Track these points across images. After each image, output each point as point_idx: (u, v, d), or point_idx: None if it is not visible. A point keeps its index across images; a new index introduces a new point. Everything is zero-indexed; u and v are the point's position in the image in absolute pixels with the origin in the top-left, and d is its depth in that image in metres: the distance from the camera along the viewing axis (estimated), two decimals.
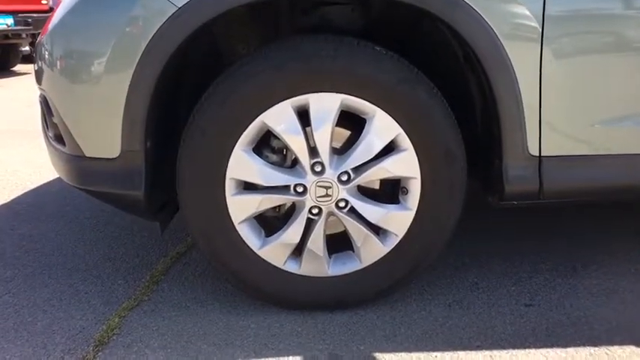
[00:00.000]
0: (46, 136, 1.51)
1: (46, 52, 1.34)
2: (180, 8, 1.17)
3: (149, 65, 1.20)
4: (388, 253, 1.35)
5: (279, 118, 1.24)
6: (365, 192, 1.34)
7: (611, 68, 1.25)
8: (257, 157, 1.29)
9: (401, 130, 1.26)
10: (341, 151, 1.32)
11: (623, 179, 1.33)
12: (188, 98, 1.40)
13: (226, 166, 1.27)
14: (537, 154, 1.28)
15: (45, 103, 1.42)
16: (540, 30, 1.21)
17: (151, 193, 1.31)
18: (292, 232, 1.32)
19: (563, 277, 1.56)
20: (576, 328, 1.33)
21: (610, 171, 1.31)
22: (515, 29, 1.21)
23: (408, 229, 1.33)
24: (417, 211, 1.31)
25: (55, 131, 1.39)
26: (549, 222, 1.92)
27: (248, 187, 1.32)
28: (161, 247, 1.78)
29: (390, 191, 1.36)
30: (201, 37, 1.34)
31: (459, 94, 1.38)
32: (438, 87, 1.29)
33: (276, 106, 1.24)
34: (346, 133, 1.34)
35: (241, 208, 1.30)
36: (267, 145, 1.33)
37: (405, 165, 1.28)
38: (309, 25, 1.46)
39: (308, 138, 1.26)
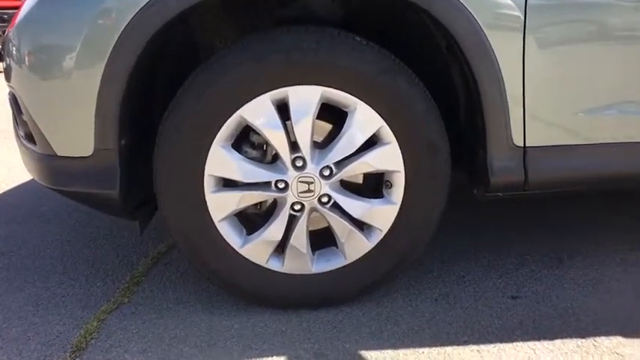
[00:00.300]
0: (17, 135, 1.46)
1: (14, 48, 1.28)
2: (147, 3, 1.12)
3: (121, 59, 1.16)
4: (373, 249, 1.32)
5: (258, 112, 1.21)
6: (348, 186, 1.32)
7: (594, 57, 1.24)
8: (236, 152, 1.25)
9: (383, 123, 1.23)
10: (322, 145, 1.29)
11: (609, 168, 1.32)
12: (165, 92, 1.35)
13: (204, 163, 1.23)
14: (522, 145, 1.26)
15: (14, 101, 1.36)
16: (523, 19, 1.18)
17: (127, 192, 1.26)
18: (274, 230, 1.28)
19: (549, 269, 1.55)
20: (563, 320, 1.32)
21: (595, 160, 1.30)
22: (497, 19, 1.19)
23: (393, 224, 1.30)
24: (401, 205, 1.29)
25: (26, 130, 1.33)
26: (535, 213, 1.91)
27: (228, 183, 1.28)
28: (142, 247, 1.73)
29: (374, 185, 1.33)
30: (177, 29, 1.30)
31: (442, 85, 1.36)
32: (421, 78, 1.26)
33: (255, 100, 1.20)
34: (328, 126, 1.30)
35: (221, 205, 1.26)
36: (246, 140, 1.29)
37: (388, 158, 1.26)
38: (289, 16, 1.42)
39: (288, 132, 1.23)
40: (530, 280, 1.49)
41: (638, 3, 1.23)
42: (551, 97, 1.24)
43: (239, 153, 1.26)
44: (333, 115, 1.28)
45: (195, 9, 1.17)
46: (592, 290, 1.44)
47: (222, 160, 1.23)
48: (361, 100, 1.21)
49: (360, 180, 1.35)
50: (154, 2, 1.12)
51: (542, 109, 1.25)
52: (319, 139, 1.31)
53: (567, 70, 1.23)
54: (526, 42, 1.19)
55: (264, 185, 1.26)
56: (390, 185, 1.29)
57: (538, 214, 1.90)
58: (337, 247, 1.34)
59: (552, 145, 1.27)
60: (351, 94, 1.20)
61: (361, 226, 1.32)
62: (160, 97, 1.37)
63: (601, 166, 1.30)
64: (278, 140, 1.22)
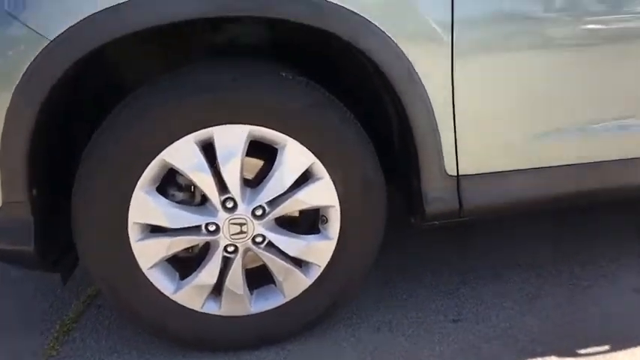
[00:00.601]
0: None
1: None
2: (52, 41, 1.03)
3: (24, 105, 1.07)
4: (312, 285, 1.29)
5: (182, 155, 1.14)
6: (284, 221, 1.28)
7: (524, 84, 1.24)
8: (162, 197, 1.18)
9: (315, 159, 1.19)
10: (255, 182, 1.24)
11: (545, 192, 1.33)
12: (84, 134, 1.26)
13: (127, 210, 1.15)
14: (455, 174, 1.26)
15: None
16: (450, 45, 1.16)
17: (44, 245, 1.17)
18: (207, 273, 1.23)
19: (489, 285, 1.56)
20: (502, 341, 1.34)
21: (530, 185, 1.31)
22: (423, 46, 1.16)
23: (331, 259, 1.27)
24: (338, 240, 1.26)
25: None
26: (475, 226, 1.93)
27: (155, 229, 1.21)
28: (73, 289, 1.63)
29: (311, 220, 1.30)
30: (95, 65, 1.21)
31: (376, 114, 1.34)
32: (355, 107, 1.23)
33: (178, 142, 1.14)
34: (259, 163, 1.25)
35: (149, 253, 1.20)
36: (173, 182, 1.22)
37: (322, 194, 1.22)
38: (220, 44, 1.35)
39: (217, 173, 1.17)
40: (471, 299, 1.51)
41: (577, 17, 1.23)
42: (483, 125, 1.24)
43: (165, 196, 1.19)
44: (265, 151, 1.23)
45: (111, 45, 1.09)
46: (529, 307, 1.46)
47: (146, 206, 1.16)
48: (290, 136, 1.17)
49: (297, 214, 1.31)
50: (55, 45, 1.03)
51: (474, 137, 1.24)
52: (251, 176, 1.26)
53: (498, 97, 1.23)
54: (454, 68, 1.17)
55: (194, 229, 1.20)
56: (325, 220, 1.26)
57: (477, 227, 1.92)
58: (276, 285, 1.30)
59: (486, 173, 1.27)
60: (278, 131, 1.16)
61: (299, 262, 1.28)
62: (79, 138, 1.28)
63: (537, 190, 1.31)
64: (205, 183, 1.16)
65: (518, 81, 1.23)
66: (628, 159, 1.33)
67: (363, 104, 1.33)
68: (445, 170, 1.25)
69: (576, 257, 1.68)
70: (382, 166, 1.27)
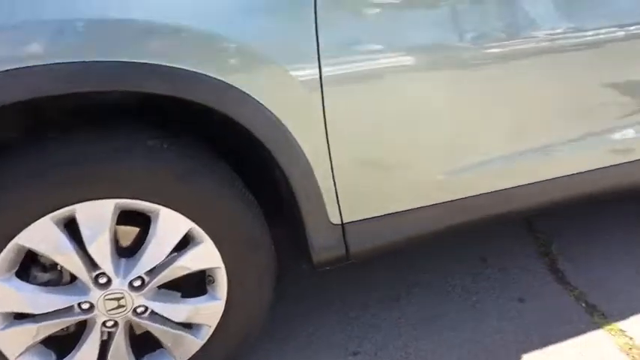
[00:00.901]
0: None
1: None
2: None
3: None
4: (205, 345, 1.25)
5: (40, 236, 1.04)
6: (168, 284, 1.21)
7: (400, 130, 1.24)
8: (23, 282, 1.07)
9: (193, 224, 1.13)
10: (131, 251, 1.16)
11: (434, 226, 1.36)
12: None
13: None
14: (340, 222, 1.25)
15: None
16: (321, 98, 1.12)
17: None
18: (86, 352, 1.15)
19: (389, 310, 1.60)
20: None
21: (414, 224, 1.33)
22: (294, 108, 1.12)
23: (222, 318, 1.23)
24: (227, 300, 1.22)
25: None
26: None
27: (21, 314, 1.11)
28: None
29: (197, 280, 1.25)
30: None
31: (259, 168, 1.29)
32: (236, 163, 1.18)
33: (35, 223, 1.03)
34: (134, 230, 1.17)
35: (15, 342, 1.09)
36: (36, 262, 1.12)
37: (205, 257, 1.17)
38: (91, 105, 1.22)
39: (84, 249, 1.08)
40: (371, 328, 1.54)
41: (443, 70, 1.24)
42: (361, 172, 1.24)
43: (27, 279, 1.09)
44: (140, 215, 1.15)
45: None
46: (425, 331, 1.51)
47: (5, 294, 1.05)
48: (162, 205, 1.10)
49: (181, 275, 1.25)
50: None
51: (354, 185, 1.24)
52: (127, 243, 1.17)
53: (375, 143, 1.23)
54: (327, 124, 1.15)
55: (66, 310, 1.11)
56: (212, 280, 1.22)
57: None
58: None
59: (369, 217, 1.28)
60: (149, 201, 1.09)
61: (189, 324, 1.24)
62: None
63: (424, 226, 1.34)
64: (71, 262, 1.07)
65: (393, 128, 1.23)
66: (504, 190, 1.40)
67: (251, 159, 1.28)
68: (329, 220, 1.24)
69: (468, 269, 1.76)
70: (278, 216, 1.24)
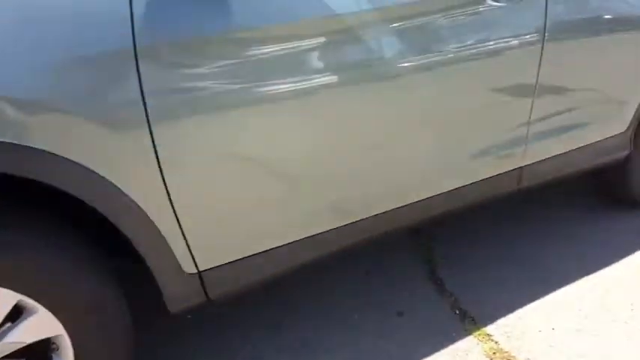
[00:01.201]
0: None
1: None
2: None
3: None
4: None
5: None
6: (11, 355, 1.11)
7: (242, 179, 1.20)
8: None
9: (20, 296, 1.03)
10: None
11: (286, 265, 1.35)
12: None
13: None
14: (196, 271, 1.20)
15: None
16: (154, 154, 1.06)
17: None
18: None
19: (269, 339, 1.57)
20: None
21: (274, 261, 1.31)
22: (131, 175, 1.06)
23: None
24: None
25: None
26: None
27: None
28: None
29: (41, 348, 1.15)
30: None
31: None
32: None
33: None
34: None
35: None
36: None
37: (42, 328, 1.07)
38: None
39: None
40: None
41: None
42: (209, 221, 1.19)
43: None
44: None
45: None
46: (309, 357, 1.50)
47: None
48: None
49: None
50: None
51: (204, 234, 1.19)
52: None
53: (219, 193, 1.18)
54: (166, 182, 1.09)
55: None
56: (57, 348, 1.13)
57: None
58: None
59: (229, 262, 1.24)
60: None
61: None
62: None
63: (280, 265, 1.32)
64: None
65: (235, 177, 1.19)
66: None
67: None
68: (183, 270, 1.18)
69: (352, 285, 1.77)
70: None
